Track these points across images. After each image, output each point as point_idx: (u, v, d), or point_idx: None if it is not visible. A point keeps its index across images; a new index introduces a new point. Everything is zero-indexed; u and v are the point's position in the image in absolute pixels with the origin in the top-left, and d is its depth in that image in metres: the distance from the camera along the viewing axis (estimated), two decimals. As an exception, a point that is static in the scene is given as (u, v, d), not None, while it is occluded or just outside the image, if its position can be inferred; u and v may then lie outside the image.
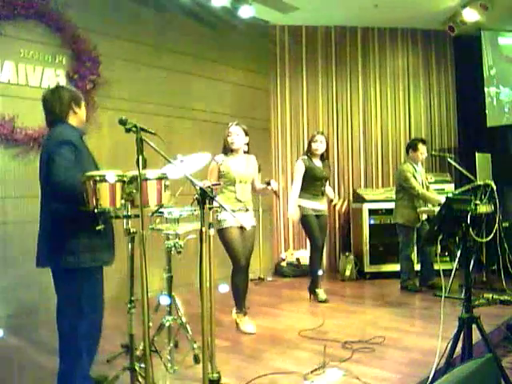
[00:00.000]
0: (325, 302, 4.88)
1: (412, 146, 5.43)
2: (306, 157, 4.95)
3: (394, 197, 5.54)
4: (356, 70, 6.98)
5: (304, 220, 4.88)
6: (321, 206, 4.94)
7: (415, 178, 5.26)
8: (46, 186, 2.47)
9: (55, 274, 2.54)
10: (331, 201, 5.05)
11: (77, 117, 2.65)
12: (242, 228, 3.95)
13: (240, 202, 3.98)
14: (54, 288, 2.58)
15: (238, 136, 4.04)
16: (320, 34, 6.89)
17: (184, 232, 3.29)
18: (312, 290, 5.01)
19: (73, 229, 2.42)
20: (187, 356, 3.19)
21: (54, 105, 2.59)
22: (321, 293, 4.96)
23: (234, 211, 3.80)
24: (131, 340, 2.55)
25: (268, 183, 4.15)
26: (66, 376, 2.48)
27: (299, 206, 4.86)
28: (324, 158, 5.00)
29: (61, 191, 2.34)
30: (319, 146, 4.93)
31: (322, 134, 5.04)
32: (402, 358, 3.26)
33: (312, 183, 4.87)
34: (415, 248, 5.42)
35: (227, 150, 4.05)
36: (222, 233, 3.90)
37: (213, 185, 3.46)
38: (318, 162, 4.95)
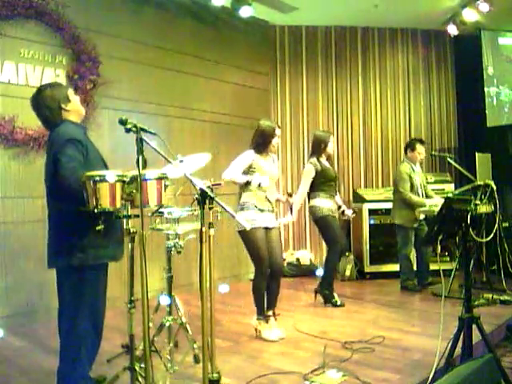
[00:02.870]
0: (341, 306, 4.72)
1: (410, 146, 5.44)
2: (315, 159, 4.79)
3: (392, 197, 5.54)
4: (356, 70, 6.98)
5: (324, 221, 4.70)
6: (335, 206, 4.84)
7: (412, 178, 5.27)
8: (52, 186, 2.45)
9: (61, 272, 2.53)
10: (339, 207, 4.95)
11: (71, 112, 2.59)
12: (266, 229, 3.79)
13: (269, 202, 3.83)
14: (56, 287, 2.57)
15: (279, 140, 3.97)
16: (320, 34, 6.89)
17: (184, 232, 3.29)
18: (329, 293, 4.80)
19: (80, 227, 2.41)
20: (187, 356, 3.19)
21: (43, 112, 2.55)
22: (337, 296, 4.81)
23: (262, 211, 3.74)
24: (131, 340, 2.54)
25: (290, 195, 4.10)
26: (66, 376, 2.48)
27: (315, 207, 4.72)
28: (329, 158, 4.96)
29: (68, 192, 2.32)
30: (332, 147, 4.93)
31: None
32: (402, 358, 3.25)
33: (327, 184, 4.74)
34: (413, 248, 5.42)
35: (263, 149, 3.85)
36: (246, 233, 3.65)
37: (213, 185, 3.46)
38: (326, 163, 4.85)
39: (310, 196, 4.81)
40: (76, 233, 2.42)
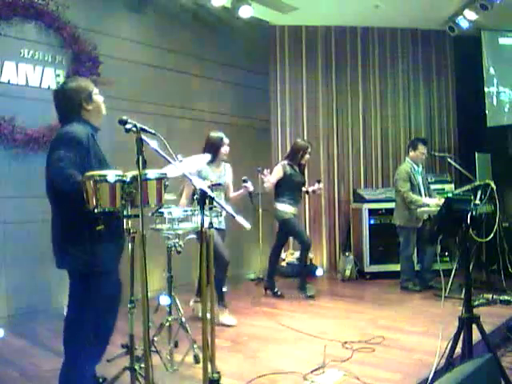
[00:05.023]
0: (312, 298, 5.04)
1: (412, 146, 5.44)
2: (285, 162, 5.08)
3: (394, 197, 5.54)
4: (356, 70, 6.98)
5: (287, 223, 5.03)
6: (298, 210, 5.17)
7: (412, 177, 5.27)
8: (48, 187, 2.44)
9: (69, 275, 2.52)
10: (307, 192, 5.26)
11: (91, 112, 2.56)
12: (218, 230, 4.04)
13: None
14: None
15: (228, 147, 4.24)
16: (320, 34, 6.89)
17: (184, 232, 3.29)
18: (302, 287, 5.14)
19: (83, 231, 2.37)
20: (187, 356, 3.19)
21: (63, 105, 2.52)
22: (310, 289, 5.15)
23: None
24: (131, 340, 2.54)
25: (245, 181, 4.27)
26: (67, 376, 2.47)
27: (279, 211, 5.04)
28: (302, 167, 5.21)
29: (58, 191, 2.31)
30: (307, 158, 5.19)
31: None
32: (402, 358, 3.25)
33: (293, 189, 5.04)
34: (415, 248, 5.43)
35: (214, 158, 4.11)
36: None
37: (213, 185, 3.46)
38: (296, 169, 5.12)
39: (275, 199, 5.12)
40: (81, 237, 2.38)
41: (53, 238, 2.50)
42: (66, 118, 2.53)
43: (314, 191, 5.24)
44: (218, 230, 4.05)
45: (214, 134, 4.26)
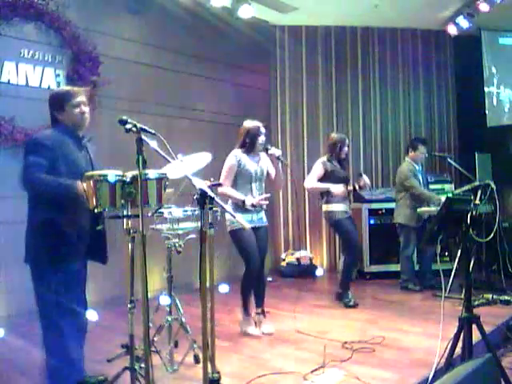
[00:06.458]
0: (355, 306, 4.70)
1: (412, 146, 5.45)
2: (325, 159, 4.83)
3: (394, 197, 5.54)
4: (356, 70, 6.98)
5: (338, 224, 4.75)
6: (348, 207, 4.84)
7: (416, 177, 5.27)
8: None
9: (31, 271, 2.59)
10: (354, 188, 4.91)
11: (64, 120, 2.60)
12: (253, 228, 3.82)
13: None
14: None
15: (265, 137, 3.99)
16: (320, 34, 6.89)
17: (184, 232, 3.29)
18: (343, 296, 4.81)
19: (43, 229, 2.48)
20: (187, 356, 3.19)
21: (49, 109, 2.64)
22: (351, 295, 4.80)
23: (247, 210, 3.78)
24: (131, 340, 2.55)
25: (267, 148, 3.89)
26: (54, 373, 2.48)
27: (329, 212, 4.73)
28: (342, 161, 4.93)
29: (31, 194, 2.51)
30: (346, 151, 4.93)
31: None
32: (402, 358, 3.25)
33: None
34: (415, 248, 5.42)
35: (250, 148, 3.92)
36: (234, 234, 3.82)
37: (212, 185, 3.46)
38: (337, 164, 4.86)
39: (324, 201, 4.80)
40: (42, 234, 2.49)
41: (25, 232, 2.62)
42: (51, 121, 2.66)
43: (360, 187, 4.85)
44: (256, 228, 3.83)
45: (251, 124, 3.94)
